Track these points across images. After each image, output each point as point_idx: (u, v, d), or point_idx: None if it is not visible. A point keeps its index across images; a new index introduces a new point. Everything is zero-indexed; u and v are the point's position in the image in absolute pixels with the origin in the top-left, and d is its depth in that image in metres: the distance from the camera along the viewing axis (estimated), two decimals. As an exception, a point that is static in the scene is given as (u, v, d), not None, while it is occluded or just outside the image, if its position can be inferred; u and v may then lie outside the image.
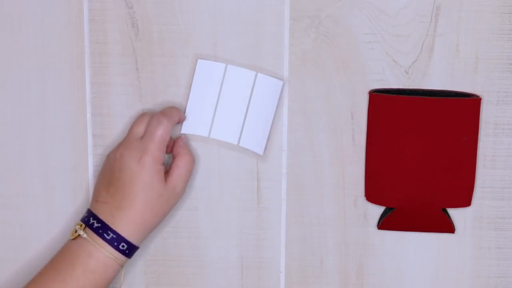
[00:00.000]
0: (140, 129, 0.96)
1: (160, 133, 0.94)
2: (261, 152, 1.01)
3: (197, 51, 0.99)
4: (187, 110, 1.00)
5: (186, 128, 1.00)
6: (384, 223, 1.02)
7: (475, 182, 1.00)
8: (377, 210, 1.02)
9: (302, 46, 0.99)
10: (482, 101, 0.98)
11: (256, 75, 0.99)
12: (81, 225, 0.94)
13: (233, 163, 1.01)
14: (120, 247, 0.93)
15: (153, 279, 1.04)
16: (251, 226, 1.03)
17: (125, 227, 0.93)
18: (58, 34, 0.99)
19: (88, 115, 1.01)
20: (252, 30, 0.98)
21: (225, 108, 1.00)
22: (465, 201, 1.01)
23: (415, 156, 0.99)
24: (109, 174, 0.95)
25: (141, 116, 0.97)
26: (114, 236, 0.92)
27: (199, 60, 0.99)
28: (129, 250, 0.94)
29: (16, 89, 1.00)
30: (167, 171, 0.96)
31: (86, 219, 0.94)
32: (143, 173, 0.93)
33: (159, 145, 0.94)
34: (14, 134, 1.01)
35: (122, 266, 0.94)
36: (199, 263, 1.04)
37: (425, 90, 0.98)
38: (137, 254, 1.03)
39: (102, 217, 0.93)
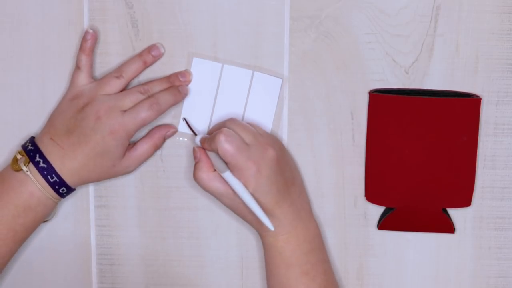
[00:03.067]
0: (127, 103, 0.95)
1: (144, 117, 0.95)
2: (261, 152, 1.01)
3: (197, 51, 0.99)
4: (183, 109, 1.00)
5: (183, 127, 1.00)
6: (384, 223, 1.02)
7: (475, 182, 1.00)
8: (377, 210, 1.02)
9: (302, 46, 0.98)
10: (482, 101, 0.98)
11: (253, 74, 0.99)
12: (24, 157, 0.95)
13: (233, 163, 1.01)
14: (60, 190, 0.95)
15: (153, 279, 1.04)
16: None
17: (69, 176, 0.95)
18: (58, 34, 0.99)
19: (88, 115, 1.00)
20: (252, 30, 0.98)
21: (223, 108, 0.99)
22: (465, 201, 1.00)
23: (415, 156, 0.99)
24: (78, 125, 0.95)
25: (136, 90, 0.96)
26: (58, 180, 0.94)
27: (194, 58, 0.99)
28: (67, 193, 0.96)
29: (16, 89, 1.00)
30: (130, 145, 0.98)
31: (31, 154, 0.95)
32: (111, 143, 0.94)
33: (138, 127, 0.95)
34: (14, 134, 1.01)
35: (56, 204, 0.97)
36: (199, 263, 1.04)
37: (425, 90, 0.98)
38: (137, 254, 1.03)
39: (50, 158, 0.94)
